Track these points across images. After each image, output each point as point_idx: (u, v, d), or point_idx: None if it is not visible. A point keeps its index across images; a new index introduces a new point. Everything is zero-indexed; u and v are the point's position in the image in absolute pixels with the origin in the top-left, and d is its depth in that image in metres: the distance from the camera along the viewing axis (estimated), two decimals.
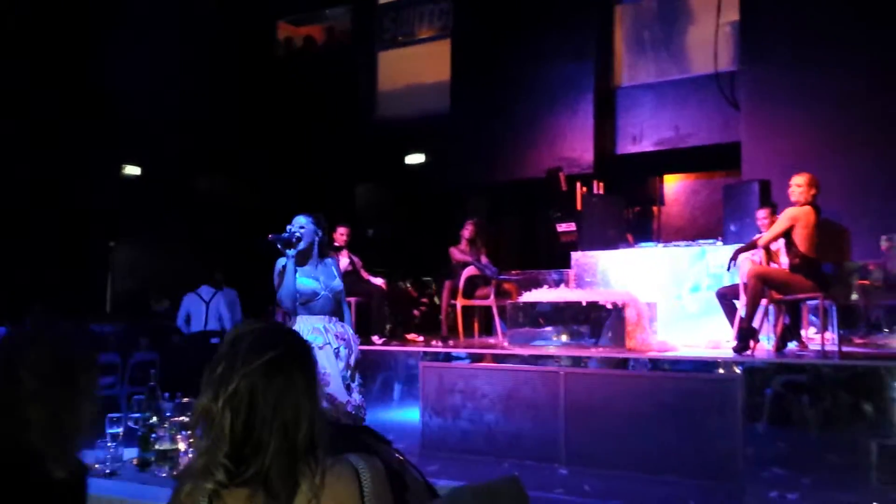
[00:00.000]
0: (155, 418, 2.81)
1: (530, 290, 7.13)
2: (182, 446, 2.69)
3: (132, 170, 12.54)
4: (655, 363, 5.79)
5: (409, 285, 10.68)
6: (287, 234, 4.25)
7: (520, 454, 5.87)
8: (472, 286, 7.96)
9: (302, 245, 4.30)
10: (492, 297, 7.83)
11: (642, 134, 10.59)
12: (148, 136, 11.60)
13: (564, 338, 6.57)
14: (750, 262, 6.24)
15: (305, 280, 4.32)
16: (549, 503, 4.97)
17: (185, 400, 2.75)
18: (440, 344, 7.42)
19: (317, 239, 4.38)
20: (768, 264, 6.08)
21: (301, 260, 4.33)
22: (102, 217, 11.64)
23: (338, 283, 4.40)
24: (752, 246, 6.31)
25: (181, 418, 2.72)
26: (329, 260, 4.48)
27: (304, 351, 1.60)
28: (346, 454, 1.65)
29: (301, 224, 4.34)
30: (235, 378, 1.50)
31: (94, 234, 11.89)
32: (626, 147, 10.68)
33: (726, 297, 6.49)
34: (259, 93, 12.60)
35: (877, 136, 8.19)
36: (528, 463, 5.80)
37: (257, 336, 1.56)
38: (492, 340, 7.79)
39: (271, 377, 1.50)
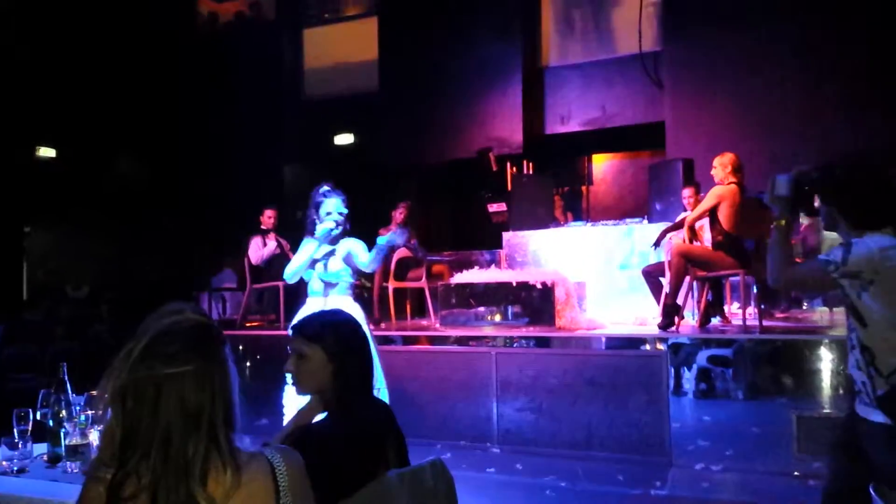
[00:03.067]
0: (64, 412, 2.67)
1: (462, 272, 7.11)
2: (94, 441, 2.56)
3: (47, 151, 12.01)
4: (584, 341, 5.86)
5: None
6: (328, 233, 4.20)
7: (453, 435, 5.87)
8: (404, 268, 7.91)
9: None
10: (423, 278, 7.79)
11: (570, 114, 10.68)
12: (63, 116, 11.11)
13: (496, 318, 6.58)
14: (674, 240, 6.36)
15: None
16: (482, 482, 4.99)
17: (94, 393, 2.62)
18: (372, 326, 7.34)
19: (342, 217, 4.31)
20: (691, 242, 6.19)
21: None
22: (16, 202, 11.12)
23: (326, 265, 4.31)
24: (678, 226, 6.42)
25: (91, 411, 2.59)
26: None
27: (208, 348, 1.49)
28: (263, 448, 1.59)
29: (338, 209, 4.28)
30: (125, 371, 1.42)
31: (7, 219, 11.36)
32: (555, 127, 10.75)
33: (652, 275, 6.60)
34: (179, 70, 12.18)
35: (798, 114, 8.43)
36: (462, 443, 5.81)
37: (161, 326, 1.47)
38: (424, 322, 7.76)
39: (158, 376, 1.41)
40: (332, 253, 4.29)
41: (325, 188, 4.36)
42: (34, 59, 10.68)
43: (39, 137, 11.78)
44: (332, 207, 4.27)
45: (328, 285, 4.27)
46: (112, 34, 11.39)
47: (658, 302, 6.39)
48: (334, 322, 2.30)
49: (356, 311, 4.13)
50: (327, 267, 4.26)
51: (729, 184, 5.91)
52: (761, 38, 8.66)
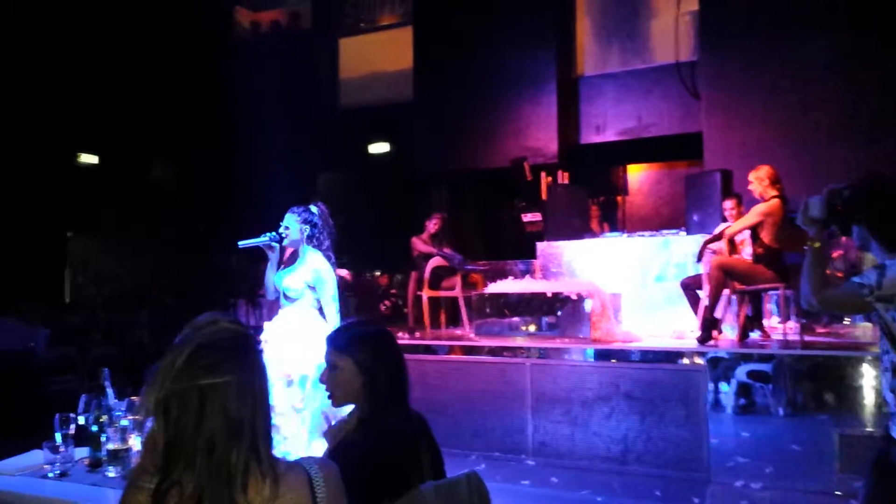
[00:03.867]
0: (105, 417, 2.69)
1: (496, 281, 7.09)
2: (133, 445, 2.58)
3: (89, 158, 12.23)
4: (620, 354, 5.79)
5: (376, 276, 10.58)
6: (263, 240, 4.16)
7: (487, 446, 5.84)
8: (438, 277, 7.90)
9: (288, 244, 4.20)
10: (458, 287, 7.78)
11: (606, 124, 10.60)
12: (105, 124, 11.31)
13: (530, 328, 6.54)
14: (713, 252, 6.27)
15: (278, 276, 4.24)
16: (516, 495, 4.94)
17: (135, 398, 2.64)
18: (406, 335, 7.35)
19: (302, 235, 4.19)
20: (731, 255, 6.10)
21: (295, 254, 4.26)
22: (59, 207, 11.34)
23: (282, 279, 4.21)
24: (718, 237, 6.32)
25: (132, 417, 2.61)
26: (307, 255, 4.22)
27: (249, 358, 1.50)
28: (301, 458, 1.59)
29: (286, 223, 4.21)
30: (168, 381, 1.42)
31: (50, 225, 11.59)
32: (590, 137, 10.68)
33: (690, 288, 6.51)
34: (218, 79, 12.34)
35: (838, 125, 8.29)
36: (496, 455, 5.78)
37: (202, 337, 1.48)
38: (458, 331, 7.74)
39: (202, 386, 1.42)
40: (292, 268, 4.24)
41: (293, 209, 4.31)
42: (77, 66, 10.89)
43: (82, 144, 12.00)
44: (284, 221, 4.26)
45: (285, 297, 4.20)
46: (154, 43, 11.57)
47: (696, 315, 6.30)
48: (365, 334, 2.29)
49: (320, 325, 4.12)
50: (283, 279, 4.20)
51: (771, 198, 5.81)
52: (799, 48, 8.53)
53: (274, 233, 4.17)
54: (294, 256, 4.28)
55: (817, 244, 2.51)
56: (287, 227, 4.18)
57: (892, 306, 2.33)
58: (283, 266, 4.29)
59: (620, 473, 5.27)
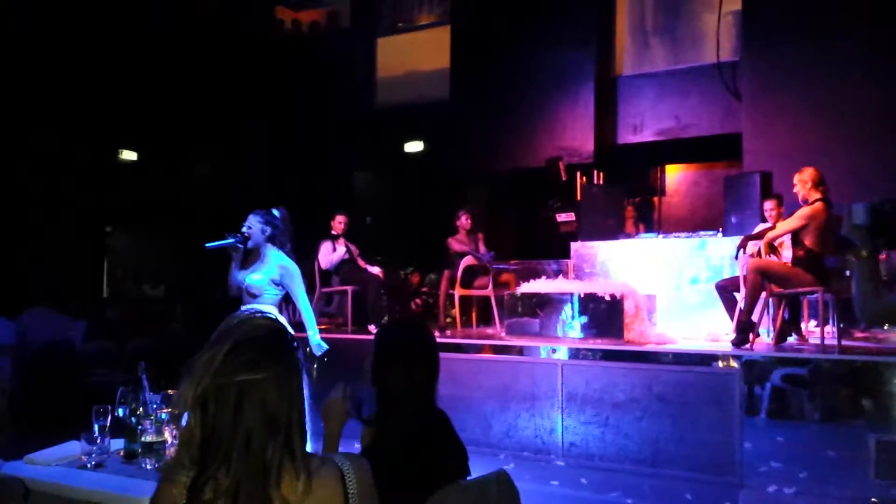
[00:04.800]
0: (141, 410, 2.75)
1: (529, 281, 7.07)
2: (168, 438, 2.64)
3: (129, 155, 12.46)
4: (654, 356, 5.74)
5: (409, 274, 10.62)
6: (230, 241, 4.41)
7: (517, 446, 5.84)
8: (471, 276, 7.91)
9: (250, 244, 4.46)
10: (490, 287, 7.78)
11: (643, 124, 10.52)
12: (146, 121, 11.51)
13: (563, 329, 6.52)
14: (749, 256, 6.19)
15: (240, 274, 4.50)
16: (546, 496, 4.94)
17: (171, 392, 2.69)
18: (438, 334, 7.37)
19: (264, 236, 4.45)
20: (767, 256, 6.01)
21: (255, 254, 4.51)
22: (99, 202, 11.57)
23: (244, 276, 4.44)
24: (760, 236, 6.20)
25: (167, 409, 2.67)
26: (270, 255, 4.46)
27: (285, 355, 1.52)
28: (333, 454, 1.61)
29: (248, 223, 4.47)
30: (207, 377, 1.44)
31: (90, 219, 11.82)
32: (627, 137, 10.61)
33: (726, 290, 6.43)
34: (256, 78, 12.50)
35: (879, 127, 8.12)
36: (526, 454, 5.77)
37: (240, 333, 1.50)
38: (490, 331, 7.74)
39: (241, 382, 1.44)
40: (257, 266, 4.46)
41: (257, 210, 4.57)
42: (120, 64, 11.09)
43: (123, 141, 12.23)
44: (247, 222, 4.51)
45: (248, 294, 4.42)
46: (195, 40, 11.75)
47: (731, 318, 6.22)
48: (413, 338, 2.28)
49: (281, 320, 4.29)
50: (247, 276, 4.44)
51: (814, 201, 5.71)
52: (841, 49, 8.38)
53: (238, 234, 4.43)
54: (255, 257, 4.50)
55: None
56: (250, 228, 4.44)
57: None
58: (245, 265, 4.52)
59: (651, 476, 5.23)
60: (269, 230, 4.45)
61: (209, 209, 11.88)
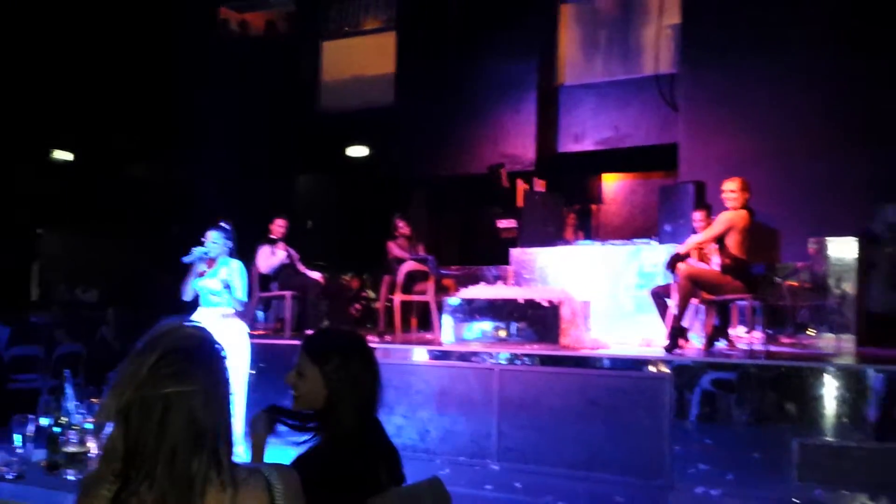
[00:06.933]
0: (65, 419, 2.69)
1: (469, 286, 7.12)
2: (93, 449, 2.58)
3: (63, 155, 12.13)
4: (588, 361, 5.84)
5: (349, 279, 10.58)
6: (203, 255, 5.30)
7: (453, 451, 5.86)
8: (411, 281, 7.92)
9: (213, 254, 5.35)
10: (430, 292, 7.81)
11: (584, 133, 10.69)
12: (81, 121, 11.23)
13: (501, 334, 6.58)
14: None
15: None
16: (480, 500, 4.98)
17: (95, 401, 2.64)
18: (376, 339, 7.36)
19: (226, 250, 5.39)
20: (698, 261, 6.17)
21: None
22: (30, 204, 11.23)
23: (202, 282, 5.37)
24: (686, 255, 6.30)
25: (91, 420, 2.61)
26: (221, 261, 5.39)
27: (214, 365, 1.48)
28: (260, 464, 1.60)
29: (213, 240, 5.34)
30: (131, 388, 1.41)
31: (20, 221, 11.47)
32: (568, 145, 10.76)
33: (660, 296, 6.58)
34: (197, 79, 12.29)
35: (809, 140, 8.40)
36: (461, 459, 5.79)
37: (168, 343, 1.46)
38: (429, 336, 7.76)
39: (167, 394, 1.40)
40: (214, 272, 5.33)
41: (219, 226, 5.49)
42: (54, 62, 10.80)
43: (57, 141, 11.91)
44: (209, 238, 5.37)
45: (206, 299, 5.34)
46: (132, 41, 11.51)
47: (665, 323, 6.37)
48: (343, 347, 2.22)
49: (239, 329, 5.41)
50: (205, 283, 5.33)
51: (738, 208, 5.89)
52: (778, 63, 8.64)
53: (204, 249, 5.29)
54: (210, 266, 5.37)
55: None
56: (215, 242, 5.33)
57: None
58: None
59: (585, 479, 5.31)
60: (230, 244, 5.40)
61: (146, 212, 11.66)
